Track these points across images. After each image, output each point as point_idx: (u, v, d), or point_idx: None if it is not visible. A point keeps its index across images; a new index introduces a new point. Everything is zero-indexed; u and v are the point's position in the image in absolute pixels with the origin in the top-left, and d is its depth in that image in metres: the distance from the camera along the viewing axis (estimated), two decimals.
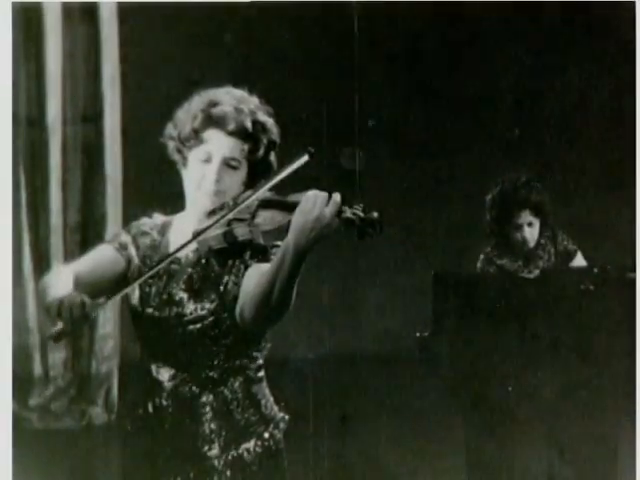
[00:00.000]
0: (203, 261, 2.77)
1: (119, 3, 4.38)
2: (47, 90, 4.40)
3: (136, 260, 2.81)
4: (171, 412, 2.77)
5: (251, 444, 2.77)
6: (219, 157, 2.74)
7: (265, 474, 2.77)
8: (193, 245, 2.70)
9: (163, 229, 2.85)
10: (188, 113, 2.78)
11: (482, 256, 4.32)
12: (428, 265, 4.31)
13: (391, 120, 4.53)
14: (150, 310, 2.77)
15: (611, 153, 4.36)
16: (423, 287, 4.18)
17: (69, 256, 4.31)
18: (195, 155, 2.76)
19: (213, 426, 2.75)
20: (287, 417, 2.84)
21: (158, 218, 2.89)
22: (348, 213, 2.53)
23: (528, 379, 4.04)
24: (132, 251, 2.82)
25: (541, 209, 4.27)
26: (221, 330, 2.73)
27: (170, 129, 2.82)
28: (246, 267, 2.71)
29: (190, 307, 2.74)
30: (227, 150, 2.74)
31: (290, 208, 2.56)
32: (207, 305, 2.73)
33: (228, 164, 2.75)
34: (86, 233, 4.46)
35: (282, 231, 2.57)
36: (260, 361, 2.80)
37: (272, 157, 2.81)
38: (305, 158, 2.63)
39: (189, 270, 2.78)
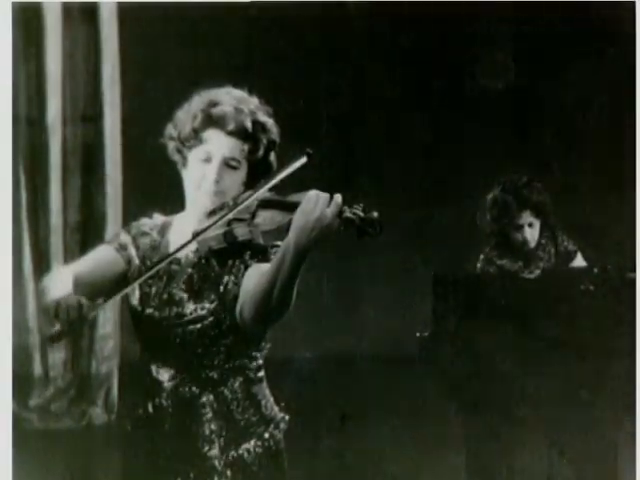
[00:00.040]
0: (203, 261, 2.77)
1: (119, 3, 4.38)
2: (47, 90, 4.40)
3: (136, 260, 2.81)
4: (171, 412, 2.77)
5: (251, 444, 2.77)
6: (219, 157, 2.73)
7: (265, 474, 2.77)
8: (193, 245, 2.70)
9: (163, 229, 2.84)
10: (188, 113, 2.78)
11: (482, 256, 4.32)
12: (428, 265, 4.31)
13: (391, 120, 4.53)
14: (150, 310, 2.77)
15: (611, 153, 4.36)
16: (423, 287, 4.18)
17: (69, 256, 4.32)
18: (195, 155, 2.76)
19: (213, 426, 2.75)
20: (287, 417, 2.84)
21: (158, 218, 2.89)
22: (348, 213, 2.52)
23: (528, 379, 4.04)
24: (132, 251, 2.81)
25: (542, 210, 4.27)
26: (221, 330, 2.73)
27: (170, 129, 2.82)
28: (246, 267, 2.71)
29: (190, 307, 2.74)
30: (227, 150, 2.74)
31: (290, 208, 2.56)
32: (207, 305, 2.73)
33: (228, 164, 2.74)
34: (86, 233, 4.47)
35: (282, 231, 2.57)
36: (260, 361, 2.80)
37: (272, 157, 2.81)
38: (303, 160, 2.63)
39: (189, 270, 2.78)
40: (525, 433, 4.08)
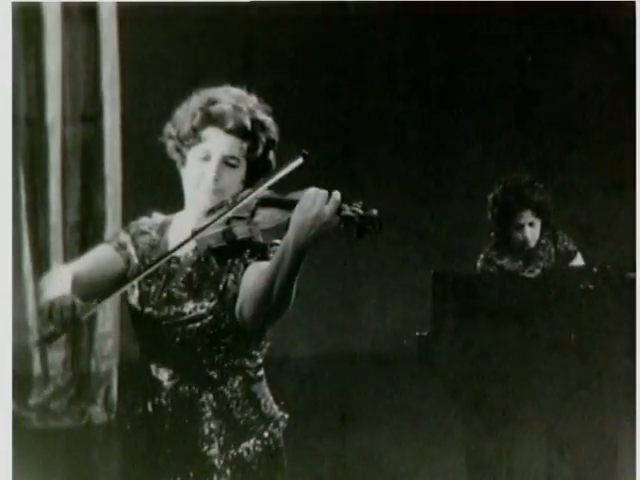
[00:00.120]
0: (202, 260, 2.76)
1: (119, 3, 4.38)
2: (47, 90, 4.40)
3: (135, 260, 2.80)
4: (171, 411, 2.76)
5: (251, 443, 2.76)
6: (218, 155, 2.73)
7: (265, 473, 2.77)
8: (192, 244, 2.70)
9: (162, 228, 2.84)
10: (187, 112, 2.77)
11: (482, 256, 4.32)
12: (428, 265, 4.31)
13: (391, 120, 4.53)
14: (149, 309, 2.76)
15: (611, 153, 4.36)
16: (423, 287, 4.18)
17: (68, 255, 4.32)
18: (194, 154, 2.76)
19: (213, 425, 2.75)
20: (287, 416, 2.83)
21: (157, 217, 2.88)
22: (347, 210, 2.52)
23: (528, 379, 4.04)
24: (131, 250, 2.81)
25: (543, 209, 4.27)
26: (220, 329, 2.72)
27: (169, 128, 2.82)
28: (245, 265, 2.70)
29: (189, 306, 2.74)
30: (226, 148, 2.73)
31: (289, 206, 2.56)
32: (206, 304, 2.73)
33: (227, 162, 2.74)
34: (85, 232, 4.47)
35: (281, 229, 2.56)
36: (260, 360, 2.79)
37: (271, 156, 2.81)
38: (299, 161, 2.63)
39: (188, 269, 2.77)
40: (525, 433, 4.08)
